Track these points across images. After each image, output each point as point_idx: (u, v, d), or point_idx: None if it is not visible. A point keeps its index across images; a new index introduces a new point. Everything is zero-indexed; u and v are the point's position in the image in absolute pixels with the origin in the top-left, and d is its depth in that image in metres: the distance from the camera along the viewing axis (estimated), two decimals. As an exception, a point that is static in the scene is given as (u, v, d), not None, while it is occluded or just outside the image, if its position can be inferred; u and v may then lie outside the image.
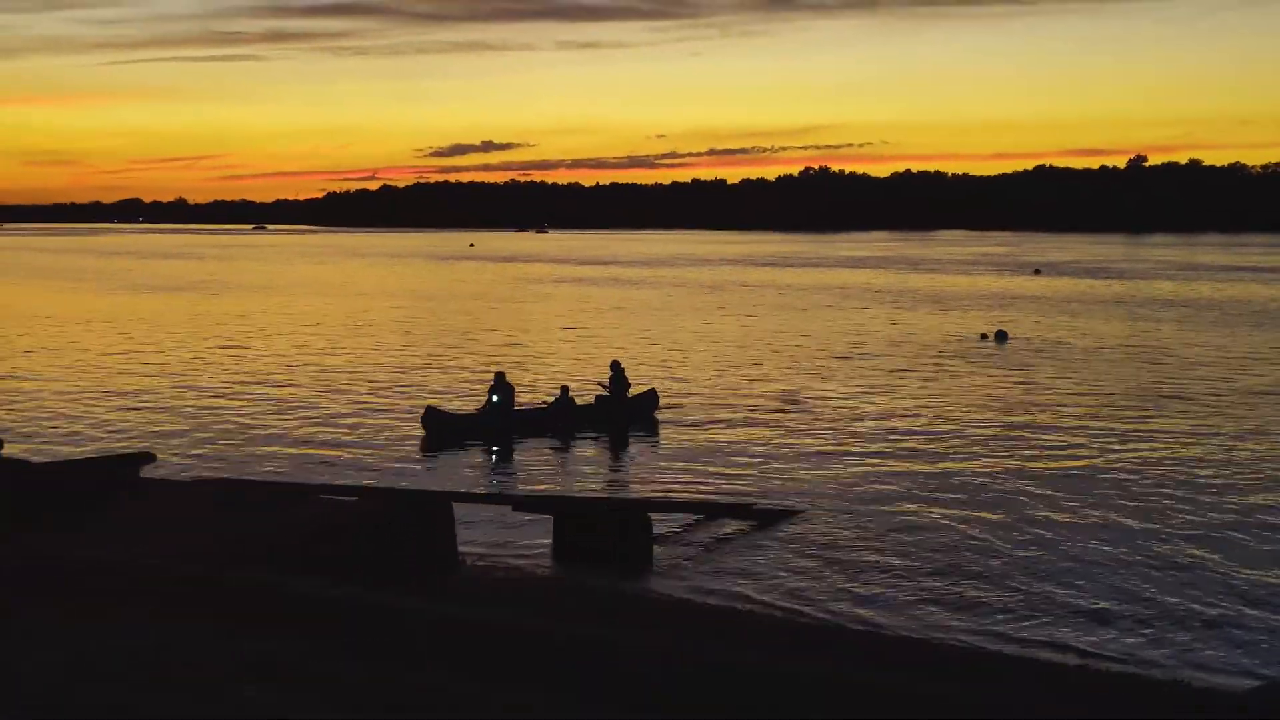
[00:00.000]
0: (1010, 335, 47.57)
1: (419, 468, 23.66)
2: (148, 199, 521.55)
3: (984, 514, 19.53)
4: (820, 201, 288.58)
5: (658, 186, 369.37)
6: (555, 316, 60.01)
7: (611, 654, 9.31)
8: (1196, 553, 17.28)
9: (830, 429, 27.25)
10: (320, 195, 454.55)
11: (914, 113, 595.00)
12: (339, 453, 24.88)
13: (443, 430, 26.41)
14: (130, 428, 27.56)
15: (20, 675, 7.96)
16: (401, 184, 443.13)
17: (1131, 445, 25.10)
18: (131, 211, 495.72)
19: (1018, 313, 59.74)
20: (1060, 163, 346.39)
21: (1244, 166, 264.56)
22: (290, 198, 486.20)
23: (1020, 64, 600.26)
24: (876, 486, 21.53)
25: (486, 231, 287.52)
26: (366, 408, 30.56)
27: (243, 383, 35.01)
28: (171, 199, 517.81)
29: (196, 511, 15.30)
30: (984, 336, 47.56)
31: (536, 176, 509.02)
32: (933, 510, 19.74)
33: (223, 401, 31.52)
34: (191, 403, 31.29)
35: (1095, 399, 31.48)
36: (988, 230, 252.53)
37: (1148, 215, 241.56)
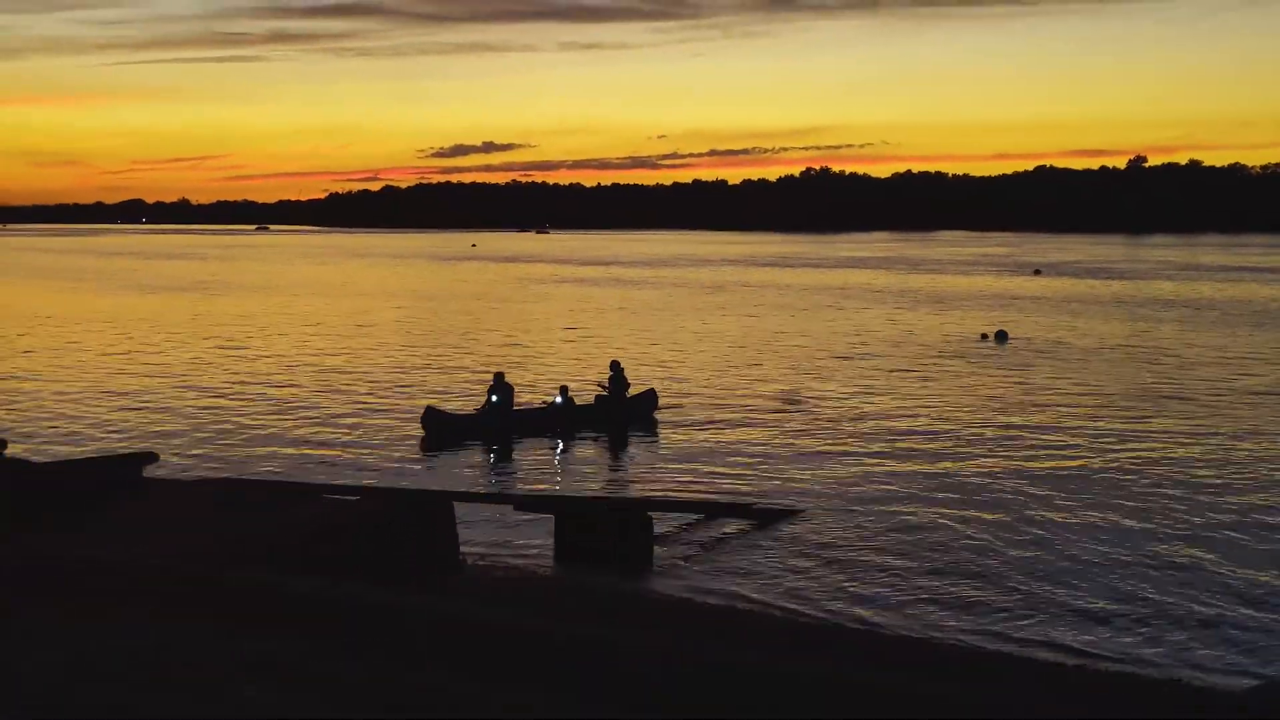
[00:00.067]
0: (1010, 335, 47.57)
1: (419, 468, 23.66)
2: (150, 199, 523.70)
3: (984, 514, 19.53)
4: (821, 202, 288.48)
5: (659, 187, 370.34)
6: (556, 317, 60.01)
7: (611, 654, 9.31)
8: (1196, 553, 17.29)
9: (830, 429, 27.25)
10: (323, 196, 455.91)
11: (915, 113, 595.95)
12: (339, 453, 24.89)
13: (442, 430, 26.42)
14: (131, 428, 27.57)
15: (20, 675, 7.96)
16: (403, 184, 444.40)
17: (1131, 445, 25.11)
18: (134, 212, 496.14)
19: (1018, 313, 59.74)
20: (1060, 163, 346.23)
21: (1244, 167, 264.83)
22: (293, 198, 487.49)
23: (1021, 65, 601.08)
24: (876, 486, 21.53)
25: (488, 232, 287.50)
26: (367, 408, 30.57)
27: (243, 383, 35.02)
28: (174, 199, 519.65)
29: (197, 511, 15.30)
30: (984, 337, 47.57)
31: (538, 177, 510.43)
32: (932, 510, 19.75)
33: (223, 401, 31.52)
34: (192, 403, 31.30)
35: (1095, 399, 31.48)
36: (988, 231, 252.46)
37: (1148, 216, 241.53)
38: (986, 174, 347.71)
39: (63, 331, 51.19)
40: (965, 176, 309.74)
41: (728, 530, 18.66)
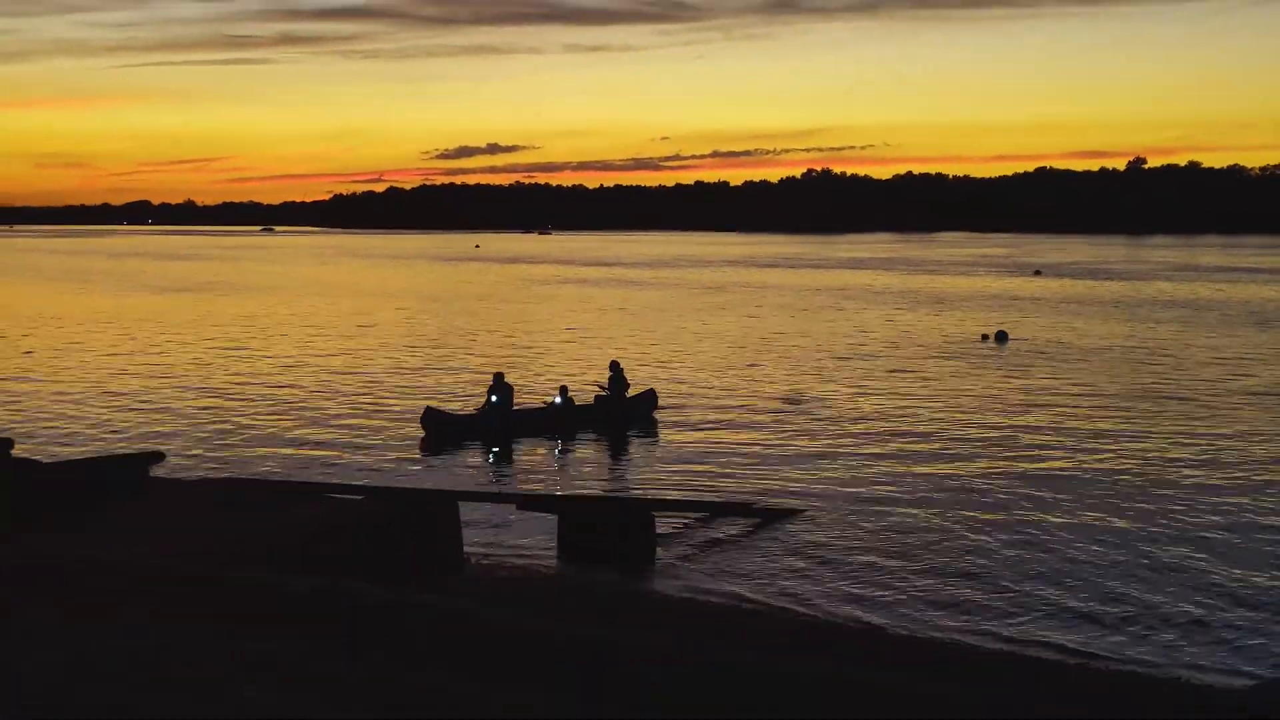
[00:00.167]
0: (1010, 336, 47.57)
1: (419, 468, 23.66)
2: (157, 201, 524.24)
3: (984, 514, 19.52)
4: (822, 203, 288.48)
5: (661, 188, 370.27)
6: (557, 317, 60.02)
7: (611, 654, 9.31)
8: (1196, 553, 17.28)
9: (830, 429, 27.25)
10: (327, 197, 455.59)
11: (915, 115, 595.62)
12: (339, 453, 24.88)
13: (442, 431, 26.42)
14: (132, 428, 27.58)
15: (20, 675, 7.96)
16: (408, 186, 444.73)
17: (1131, 446, 25.10)
18: (141, 213, 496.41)
19: (1018, 313, 59.73)
20: (1060, 165, 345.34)
21: (1243, 169, 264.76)
22: (298, 200, 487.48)
23: (1021, 67, 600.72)
24: (876, 487, 21.53)
25: (492, 233, 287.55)
26: (368, 408, 30.57)
27: (245, 383, 35.03)
28: (180, 201, 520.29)
29: (197, 511, 15.29)
30: (984, 337, 47.57)
31: (542, 179, 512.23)
32: (933, 510, 19.74)
33: (224, 401, 31.53)
34: (193, 403, 31.31)
35: (1095, 399, 31.48)
36: (988, 232, 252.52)
37: (1147, 217, 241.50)
38: (987, 175, 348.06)
39: (66, 332, 51.21)
40: (966, 178, 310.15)
41: (729, 530, 18.66)
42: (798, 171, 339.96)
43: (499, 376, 28.07)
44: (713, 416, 29.09)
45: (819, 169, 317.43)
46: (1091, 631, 14.15)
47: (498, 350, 43.89)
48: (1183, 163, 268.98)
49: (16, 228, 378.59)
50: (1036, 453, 24.51)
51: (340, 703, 7.79)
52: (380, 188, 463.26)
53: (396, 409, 30.16)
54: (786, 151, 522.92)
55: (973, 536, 18.22)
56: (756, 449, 25.06)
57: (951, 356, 41.50)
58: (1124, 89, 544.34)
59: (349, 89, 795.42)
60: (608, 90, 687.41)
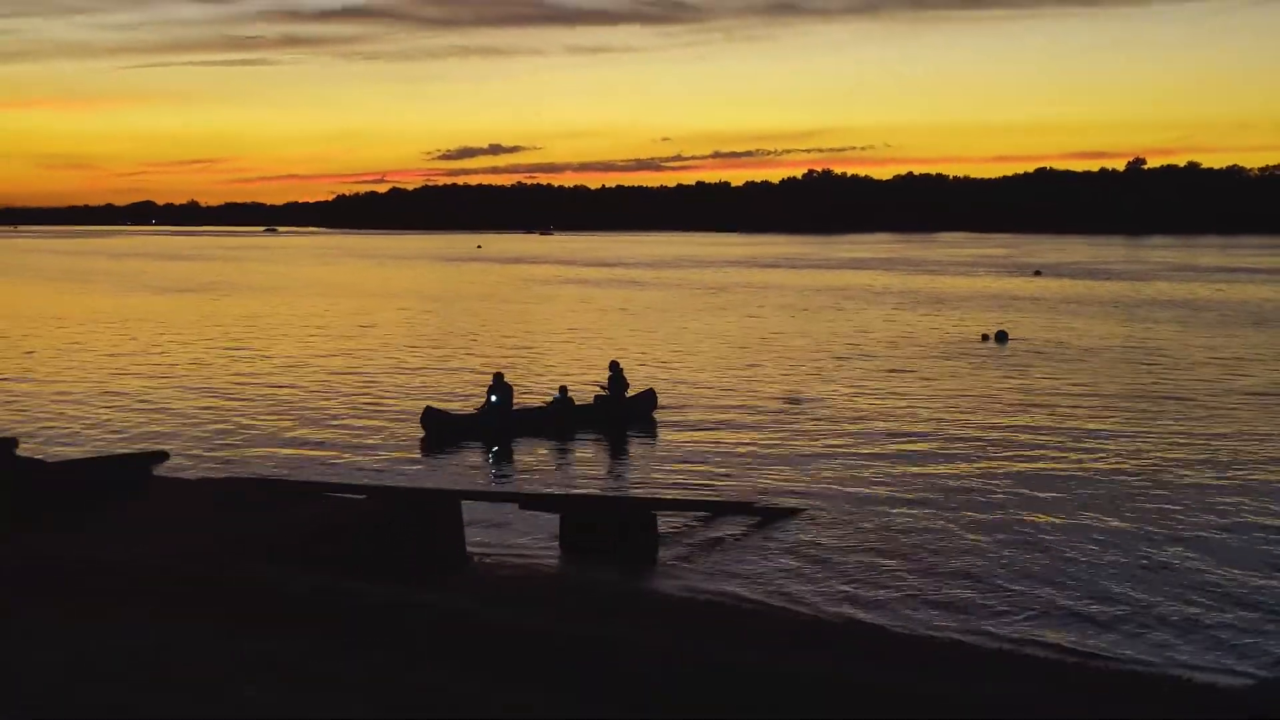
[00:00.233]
0: (1010, 336, 47.57)
1: (419, 468, 23.66)
2: (160, 201, 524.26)
3: (984, 514, 19.52)
4: (823, 204, 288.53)
5: (663, 189, 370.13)
6: (558, 317, 60.02)
7: (612, 653, 9.31)
8: (1195, 553, 17.27)
9: (830, 429, 27.24)
10: (330, 198, 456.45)
11: (916, 116, 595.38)
12: (339, 453, 24.89)
13: (442, 430, 26.43)
14: (133, 427, 27.58)
15: (20, 675, 7.97)
16: (410, 186, 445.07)
17: (1131, 446, 25.09)
18: (145, 214, 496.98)
19: (1018, 313, 59.72)
20: (1060, 165, 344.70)
21: (1242, 169, 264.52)
22: (300, 200, 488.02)
23: (1020, 67, 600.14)
24: (876, 487, 21.53)
25: (494, 233, 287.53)
26: (368, 408, 30.57)
27: (246, 383, 35.04)
28: (184, 202, 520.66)
29: (197, 511, 15.30)
30: (985, 337, 47.56)
31: (543, 179, 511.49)
32: (933, 510, 19.74)
33: (225, 402, 31.53)
34: (194, 402, 31.32)
35: (1095, 399, 31.47)
36: (989, 232, 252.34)
37: (1147, 217, 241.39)
38: (987, 176, 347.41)
39: (68, 332, 51.22)
40: (966, 178, 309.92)
41: (730, 530, 18.67)
42: (798, 172, 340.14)
43: (499, 376, 28.08)
44: (713, 416, 29.09)
45: (820, 170, 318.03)
46: (1091, 631, 14.15)
47: (498, 350, 43.90)
48: (1182, 163, 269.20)
49: (20, 228, 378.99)
50: (1036, 453, 24.51)
51: (340, 703, 7.79)
52: (382, 188, 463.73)
53: (396, 409, 30.17)
54: (787, 152, 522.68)
55: (972, 536, 18.22)
56: (756, 449, 25.06)
57: (951, 357, 41.49)
58: (1124, 89, 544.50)
59: (351, 90, 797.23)
60: (609, 91, 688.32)
